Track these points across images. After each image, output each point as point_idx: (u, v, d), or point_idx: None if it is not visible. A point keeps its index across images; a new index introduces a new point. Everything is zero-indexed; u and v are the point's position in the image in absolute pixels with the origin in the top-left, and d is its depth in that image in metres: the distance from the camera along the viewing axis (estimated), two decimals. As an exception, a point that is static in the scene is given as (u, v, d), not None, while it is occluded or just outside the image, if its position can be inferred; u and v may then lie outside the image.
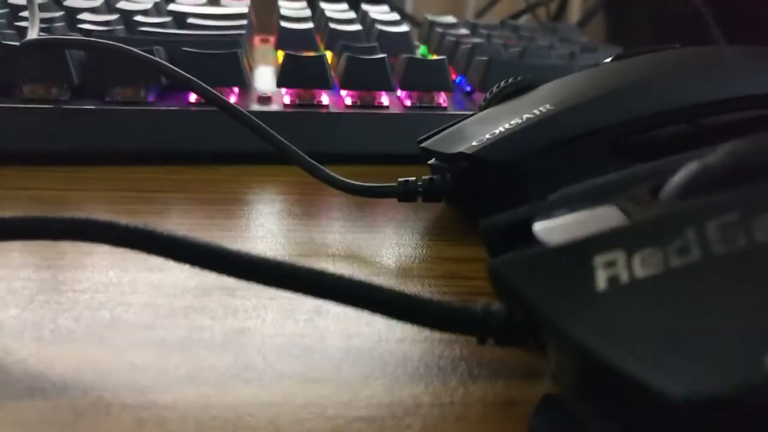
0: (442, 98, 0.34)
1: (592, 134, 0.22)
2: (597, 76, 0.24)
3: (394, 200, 0.25)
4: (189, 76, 0.27)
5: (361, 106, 0.33)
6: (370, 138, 0.33)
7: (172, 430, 0.14)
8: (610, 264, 0.13)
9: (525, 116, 0.23)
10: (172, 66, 0.27)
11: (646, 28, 0.60)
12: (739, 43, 0.36)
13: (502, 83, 0.26)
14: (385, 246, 0.24)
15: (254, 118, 0.26)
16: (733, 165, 0.14)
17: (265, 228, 0.25)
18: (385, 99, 0.34)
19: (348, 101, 0.33)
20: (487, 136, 0.23)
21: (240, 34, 0.36)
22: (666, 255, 0.13)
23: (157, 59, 0.27)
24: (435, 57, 0.34)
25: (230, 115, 0.27)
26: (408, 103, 0.34)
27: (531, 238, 0.16)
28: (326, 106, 0.33)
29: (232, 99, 0.33)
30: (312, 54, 0.33)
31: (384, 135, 0.33)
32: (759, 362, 0.10)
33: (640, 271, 0.13)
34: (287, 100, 0.33)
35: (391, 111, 0.33)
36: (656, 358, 0.11)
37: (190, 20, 0.38)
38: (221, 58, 0.32)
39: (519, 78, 0.26)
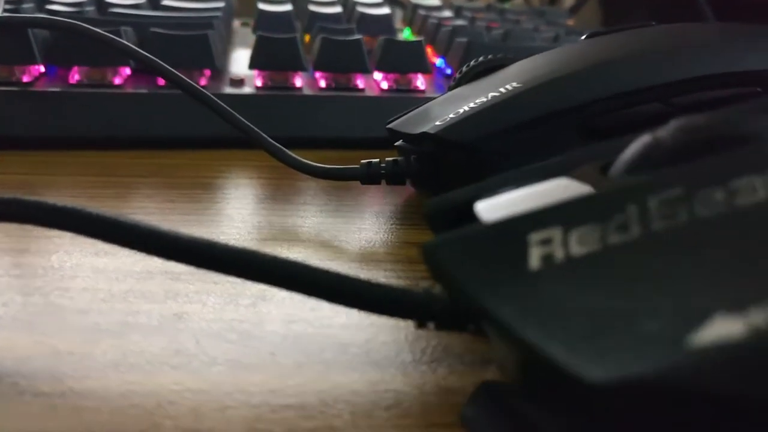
0: (419, 81, 0.33)
1: (559, 114, 0.21)
2: (568, 54, 0.23)
3: (368, 185, 0.24)
4: (152, 57, 0.26)
5: (336, 89, 0.32)
6: (346, 122, 0.32)
7: (85, 418, 0.13)
8: (546, 241, 0.12)
9: (491, 95, 0.22)
10: (134, 47, 0.27)
11: (642, 14, 0.59)
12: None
13: (472, 62, 0.25)
14: (347, 230, 0.23)
15: (218, 101, 0.26)
16: (683, 139, 0.13)
17: (225, 212, 0.24)
18: (360, 82, 0.33)
19: (322, 84, 0.32)
20: (451, 115, 0.22)
21: (214, 16, 0.35)
22: (605, 232, 0.12)
23: (119, 39, 0.26)
24: (412, 38, 0.33)
25: (194, 97, 0.26)
26: (384, 86, 0.33)
27: (476, 219, 0.15)
28: (299, 89, 0.32)
29: (203, 82, 0.32)
30: (284, 35, 0.32)
31: (360, 119, 0.32)
32: (681, 343, 0.09)
33: (576, 249, 0.12)
34: (259, 82, 0.32)
35: (367, 94, 0.32)
36: (579, 339, 0.10)
37: (165, 2, 0.37)
38: (190, 39, 0.31)
39: (489, 57, 0.25)
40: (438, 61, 0.37)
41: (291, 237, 0.22)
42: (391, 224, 0.23)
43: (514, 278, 0.12)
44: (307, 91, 0.32)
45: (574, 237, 0.12)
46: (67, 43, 0.30)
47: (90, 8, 0.35)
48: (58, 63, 0.30)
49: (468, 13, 0.42)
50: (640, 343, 0.10)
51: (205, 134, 0.30)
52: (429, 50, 0.38)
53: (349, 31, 0.35)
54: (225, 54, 0.35)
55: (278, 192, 0.26)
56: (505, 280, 0.12)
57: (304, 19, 0.40)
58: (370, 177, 0.24)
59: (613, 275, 0.11)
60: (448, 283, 0.13)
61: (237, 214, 0.24)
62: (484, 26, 0.38)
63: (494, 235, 0.13)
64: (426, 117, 0.23)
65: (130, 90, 0.30)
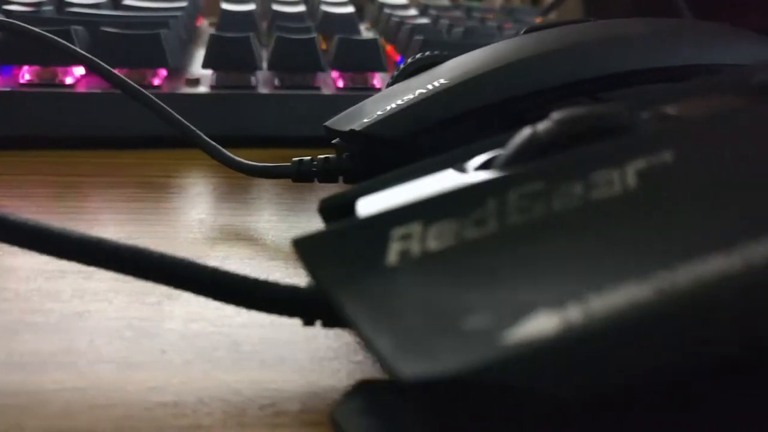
0: (376, 79, 0.33)
1: (484, 109, 0.21)
2: (499, 50, 0.23)
3: (300, 182, 0.24)
4: (87, 54, 0.26)
5: (292, 88, 0.32)
6: (301, 120, 0.31)
7: (-49, 418, 0.13)
8: (406, 237, 0.12)
9: (418, 91, 0.22)
10: (72, 46, 0.27)
11: (624, 10, 0.59)
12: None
13: (409, 60, 0.25)
14: (278, 228, 0.23)
15: (152, 98, 0.25)
16: (557, 132, 0.13)
17: (158, 211, 0.24)
18: (317, 80, 0.32)
19: (277, 82, 0.32)
20: (379, 112, 0.22)
21: (171, 16, 0.35)
22: (462, 226, 0.12)
23: (55, 37, 0.26)
24: (368, 37, 0.33)
25: (129, 95, 0.26)
26: (341, 84, 0.33)
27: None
28: (254, 88, 0.32)
29: (157, 81, 0.32)
30: (236, 34, 0.32)
31: (315, 117, 0.31)
32: (498, 339, 0.09)
33: (432, 244, 0.12)
34: (214, 81, 0.32)
35: (323, 92, 0.32)
36: (411, 334, 0.10)
37: (126, 1, 0.37)
38: (142, 38, 0.31)
39: (427, 54, 0.25)
40: (400, 60, 0.37)
41: (218, 235, 0.22)
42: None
43: (370, 273, 0.12)
44: (262, 90, 0.32)
45: (432, 232, 0.12)
46: (16, 42, 0.30)
47: (48, 8, 0.35)
48: (7, 62, 0.30)
49: (433, 12, 0.41)
50: (463, 339, 0.09)
51: (158, 133, 0.30)
52: (391, 49, 0.38)
53: (307, 30, 0.35)
54: (184, 53, 0.35)
55: (218, 191, 0.26)
56: (361, 274, 0.12)
57: (269, 19, 0.40)
58: (301, 175, 0.23)
59: (459, 271, 0.11)
60: (312, 277, 0.13)
61: (172, 213, 0.24)
62: (447, 24, 0.38)
63: (361, 230, 0.13)
64: (359, 114, 0.23)
65: (81, 90, 0.30)
